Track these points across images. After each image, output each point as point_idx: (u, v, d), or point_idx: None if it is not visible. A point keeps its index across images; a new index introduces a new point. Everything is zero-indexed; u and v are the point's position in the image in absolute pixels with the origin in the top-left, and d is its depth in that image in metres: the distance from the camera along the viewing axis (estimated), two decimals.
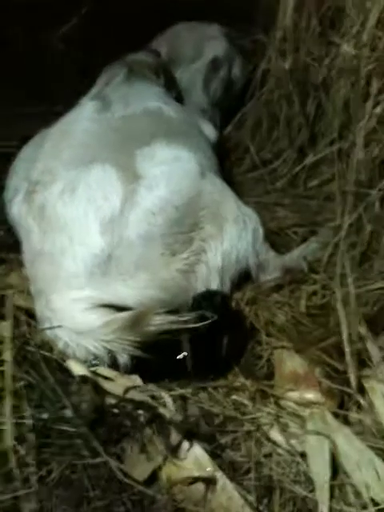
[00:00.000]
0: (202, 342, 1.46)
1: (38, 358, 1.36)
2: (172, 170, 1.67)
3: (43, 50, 2.72)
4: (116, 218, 1.56)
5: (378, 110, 1.83)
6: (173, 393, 1.46)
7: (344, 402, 1.46)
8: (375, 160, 1.78)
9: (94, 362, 1.44)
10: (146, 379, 1.46)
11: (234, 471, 1.31)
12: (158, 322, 1.44)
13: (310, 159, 2.20)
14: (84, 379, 1.36)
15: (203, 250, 1.65)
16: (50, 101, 2.32)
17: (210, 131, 2.19)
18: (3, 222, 1.81)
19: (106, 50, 2.41)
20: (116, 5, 2.69)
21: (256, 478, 1.29)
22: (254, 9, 2.22)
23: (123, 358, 1.45)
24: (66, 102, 2.06)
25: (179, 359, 1.46)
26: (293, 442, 1.36)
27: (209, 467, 1.28)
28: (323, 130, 2.18)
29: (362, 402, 1.46)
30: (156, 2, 2.61)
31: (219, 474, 1.27)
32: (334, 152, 2.04)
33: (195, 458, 1.30)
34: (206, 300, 1.53)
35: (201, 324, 1.46)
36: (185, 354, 1.45)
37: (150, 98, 1.99)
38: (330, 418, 1.40)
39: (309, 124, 2.20)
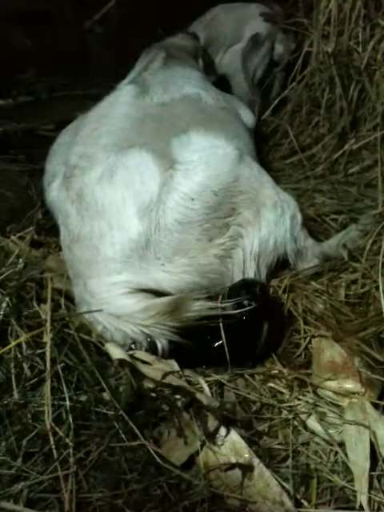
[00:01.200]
0: (239, 330, 1.45)
1: (77, 342, 1.36)
2: (209, 155, 1.65)
3: (81, 33, 2.71)
4: (154, 204, 1.55)
5: None
6: (209, 379, 1.46)
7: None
8: None
9: (132, 346, 1.45)
10: (182, 365, 1.46)
11: (271, 459, 1.30)
12: (197, 307, 1.44)
13: (351, 145, 2.15)
14: (122, 363, 1.36)
15: (240, 236, 1.64)
16: (88, 84, 2.32)
17: (248, 117, 2.15)
18: (42, 204, 1.82)
19: (144, 34, 2.40)
20: None
21: (293, 466, 1.28)
22: None
23: (161, 343, 1.45)
24: (104, 85, 2.05)
25: (217, 346, 1.47)
26: (331, 431, 1.34)
27: (246, 454, 1.27)
28: (366, 115, 2.13)
29: None
30: None
31: (256, 461, 1.26)
32: (377, 137, 2.00)
33: (232, 444, 1.29)
34: (245, 289, 1.51)
35: (239, 311, 1.46)
36: (221, 341, 1.45)
37: (188, 84, 1.97)
38: (369, 408, 1.37)
39: (351, 109, 2.15)
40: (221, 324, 1.43)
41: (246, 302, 1.45)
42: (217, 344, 1.46)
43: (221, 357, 1.46)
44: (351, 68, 2.07)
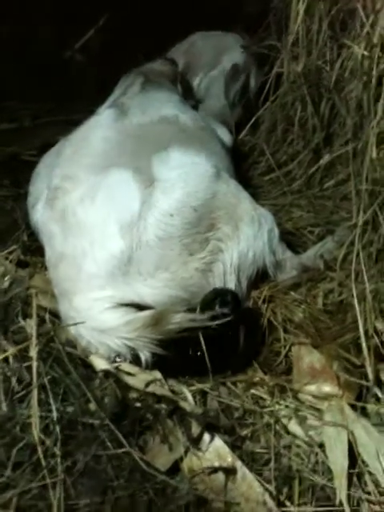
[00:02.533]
0: (218, 337, 1.50)
1: (63, 355, 1.40)
2: (188, 172, 1.71)
3: (63, 61, 2.79)
4: (135, 221, 1.61)
5: None
6: (192, 388, 1.50)
7: (362, 395, 1.49)
8: None
9: (116, 359, 1.49)
10: (166, 375, 1.50)
11: (253, 462, 1.34)
12: (178, 320, 1.48)
13: (325, 160, 2.23)
14: (106, 374, 1.41)
15: (220, 250, 1.69)
16: (70, 110, 2.38)
17: (226, 137, 2.23)
18: (27, 226, 1.87)
19: (124, 61, 2.47)
20: (132, 16, 2.75)
21: (275, 468, 1.32)
22: (266, 14, 2.25)
23: (144, 355, 1.49)
24: (85, 111, 2.12)
25: (198, 356, 1.51)
26: (311, 433, 1.39)
27: (229, 458, 1.32)
28: (337, 130, 2.21)
29: (379, 394, 1.48)
30: (171, 12, 2.66)
31: (239, 464, 1.30)
32: (348, 152, 2.07)
33: (215, 449, 1.33)
34: (217, 298, 1.56)
35: (218, 322, 1.50)
36: (200, 351, 1.49)
37: (166, 106, 2.03)
38: (347, 409, 1.43)
39: (323, 125, 2.23)
40: (200, 334, 1.47)
41: (219, 311, 1.50)
42: (198, 353, 1.50)
43: (202, 366, 1.50)
44: (321, 86, 2.16)
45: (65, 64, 2.82)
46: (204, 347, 1.47)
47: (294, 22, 2.09)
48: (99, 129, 1.87)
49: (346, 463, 1.30)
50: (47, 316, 1.45)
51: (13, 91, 2.55)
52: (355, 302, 1.61)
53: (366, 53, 1.91)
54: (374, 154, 1.85)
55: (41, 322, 1.45)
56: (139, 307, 1.55)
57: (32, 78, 2.64)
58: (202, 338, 1.47)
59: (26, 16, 2.66)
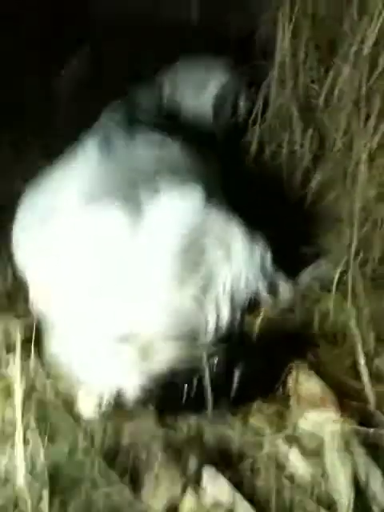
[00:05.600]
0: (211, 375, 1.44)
1: (49, 391, 1.35)
2: (176, 199, 1.69)
3: (46, 89, 2.78)
4: (122, 250, 1.57)
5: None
6: (187, 422, 1.44)
7: (364, 420, 1.43)
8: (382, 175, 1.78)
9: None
10: (159, 410, 1.44)
11: (255, 495, 1.28)
12: (168, 348, 1.45)
13: (315, 182, 2.20)
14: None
15: (212, 276, 1.65)
16: (53, 137, 2.36)
17: (213, 162, 2.21)
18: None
19: (108, 89, 2.46)
20: (116, 44, 2.75)
21: (277, 501, 1.26)
22: (252, 37, 2.26)
23: (136, 389, 1.43)
24: (69, 137, 2.08)
25: (194, 391, 1.45)
26: (313, 462, 1.33)
27: (228, 493, 1.25)
28: (328, 152, 2.19)
29: (383, 418, 1.43)
30: (156, 38, 2.66)
31: (240, 499, 1.24)
32: (339, 173, 2.05)
33: (214, 485, 1.27)
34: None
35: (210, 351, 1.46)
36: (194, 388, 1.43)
37: (152, 133, 2.01)
38: (350, 436, 1.37)
39: (313, 147, 2.21)
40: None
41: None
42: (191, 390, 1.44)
43: (198, 403, 1.45)
44: (310, 107, 2.15)
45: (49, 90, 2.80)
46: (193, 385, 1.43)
47: (281, 41, 2.08)
48: (84, 158, 1.84)
49: (351, 492, 1.24)
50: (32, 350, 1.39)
51: None
52: (353, 324, 1.58)
53: (354, 71, 1.91)
54: (365, 175, 1.84)
55: (26, 355, 1.39)
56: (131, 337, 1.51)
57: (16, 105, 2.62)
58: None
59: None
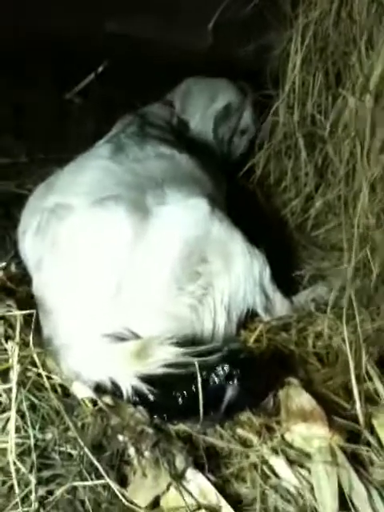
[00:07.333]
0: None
1: (43, 381, 1.35)
2: (182, 208, 1.71)
3: (62, 104, 2.85)
4: (126, 253, 1.59)
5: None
6: (177, 427, 1.43)
7: (352, 439, 1.44)
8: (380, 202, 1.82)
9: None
10: (150, 412, 1.44)
11: (238, 502, 1.27)
12: (161, 353, 1.45)
13: (316, 207, 2.24)
14: (88, 403, 1.35)
15: (211, 285, 1.67)
16: (67, 150, 2.40)
17: (219, 176, 2.25)
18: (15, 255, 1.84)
19: (123, 107, 2.52)
20: (131, 62, 2.82)
21: (261, 508, 1.26)
22: (264, 65, 2.32)
23: (125, 388, 1.43)
24: (82, 150, 2.12)
25: (186, 397, 1.45)
26: (299, 475, 1.33)
27: (213, 496, 1.25)
28: (330, 179, 2.23)
29: (370, 438, 1.43)
30: (168, 60, 2.73)
31: (223, 503, 1.24)
32: (340, 200, 2.08)
33: (199, 487, 1.27)
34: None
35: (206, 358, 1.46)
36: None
37: (163, 145, 2.06)
38: (337, 452, 1.37)
39: (316, 174, 2.26)
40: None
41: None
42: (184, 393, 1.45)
43: (188, 409, 1.45)
44: (315, 135, 2.20)
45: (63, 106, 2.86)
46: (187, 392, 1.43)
47: (291, 71, 2.14)
48: (96, 160, 1.88)
49: (335, 506, 1.24)
50: (31, 339, 1.39)
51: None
52: (347, 345, 1.59)
53: (359, 103, 1.95)
54: (367, 201, 1.87)
55: (23, 345, 1.40)
56: (127, 339, 1.52)
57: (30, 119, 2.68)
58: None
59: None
